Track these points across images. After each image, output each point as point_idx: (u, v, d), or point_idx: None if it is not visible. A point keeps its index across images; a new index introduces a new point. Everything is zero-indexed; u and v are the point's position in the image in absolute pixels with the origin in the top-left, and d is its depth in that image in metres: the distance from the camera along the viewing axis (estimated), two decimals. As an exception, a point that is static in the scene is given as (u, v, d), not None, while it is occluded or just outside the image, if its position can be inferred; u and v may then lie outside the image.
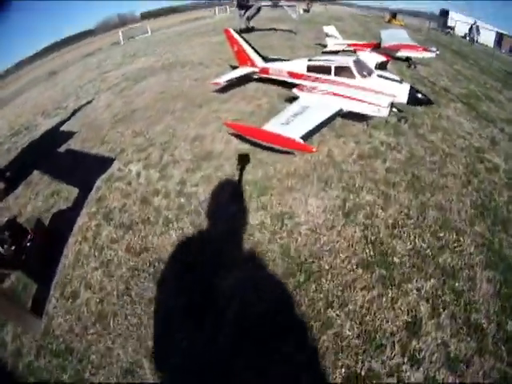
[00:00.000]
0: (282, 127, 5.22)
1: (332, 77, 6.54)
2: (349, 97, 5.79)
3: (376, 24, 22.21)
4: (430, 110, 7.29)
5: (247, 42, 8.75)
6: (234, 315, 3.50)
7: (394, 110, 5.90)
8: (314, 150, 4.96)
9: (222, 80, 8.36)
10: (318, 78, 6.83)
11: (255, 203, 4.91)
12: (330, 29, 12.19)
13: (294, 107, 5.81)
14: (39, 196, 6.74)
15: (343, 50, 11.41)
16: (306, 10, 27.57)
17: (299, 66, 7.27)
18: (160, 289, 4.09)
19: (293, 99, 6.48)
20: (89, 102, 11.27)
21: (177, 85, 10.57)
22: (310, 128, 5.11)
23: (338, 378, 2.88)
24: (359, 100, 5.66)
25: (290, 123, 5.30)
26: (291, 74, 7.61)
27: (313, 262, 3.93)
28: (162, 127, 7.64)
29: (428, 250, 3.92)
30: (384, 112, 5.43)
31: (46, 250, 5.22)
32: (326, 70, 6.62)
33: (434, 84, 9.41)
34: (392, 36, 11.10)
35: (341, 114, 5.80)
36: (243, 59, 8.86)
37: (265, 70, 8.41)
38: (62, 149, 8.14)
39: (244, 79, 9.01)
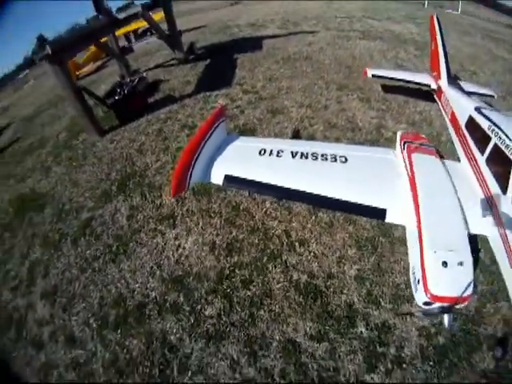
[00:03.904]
0: None
1: (482, 161, 3.11)
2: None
3: None
4: None
5: (444, 43, 5.37)
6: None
7: None
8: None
9: (372, 73, 5.95)
10: (467, 150, 3.53)
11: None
12: None
13: None
14: (193, 77, 8.18)
15: None
16: None
17: (463, 110, 3.94)
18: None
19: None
20: (311, 33, 10.99)
21: (369, 60, 8.47)
22: None
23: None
24: None
25: None
26: (453, 119, 4.34)
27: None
28: (273, 88, 6.99)
29: None
30: None
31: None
32: (480, 142, 3.20)
33: None
34: None
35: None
36: (433, 64, 5.70)
37: (439, 93, 5.19)
38: (229, 51, 9.28)
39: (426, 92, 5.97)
